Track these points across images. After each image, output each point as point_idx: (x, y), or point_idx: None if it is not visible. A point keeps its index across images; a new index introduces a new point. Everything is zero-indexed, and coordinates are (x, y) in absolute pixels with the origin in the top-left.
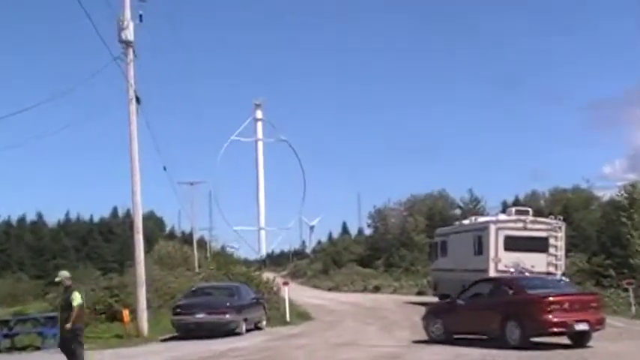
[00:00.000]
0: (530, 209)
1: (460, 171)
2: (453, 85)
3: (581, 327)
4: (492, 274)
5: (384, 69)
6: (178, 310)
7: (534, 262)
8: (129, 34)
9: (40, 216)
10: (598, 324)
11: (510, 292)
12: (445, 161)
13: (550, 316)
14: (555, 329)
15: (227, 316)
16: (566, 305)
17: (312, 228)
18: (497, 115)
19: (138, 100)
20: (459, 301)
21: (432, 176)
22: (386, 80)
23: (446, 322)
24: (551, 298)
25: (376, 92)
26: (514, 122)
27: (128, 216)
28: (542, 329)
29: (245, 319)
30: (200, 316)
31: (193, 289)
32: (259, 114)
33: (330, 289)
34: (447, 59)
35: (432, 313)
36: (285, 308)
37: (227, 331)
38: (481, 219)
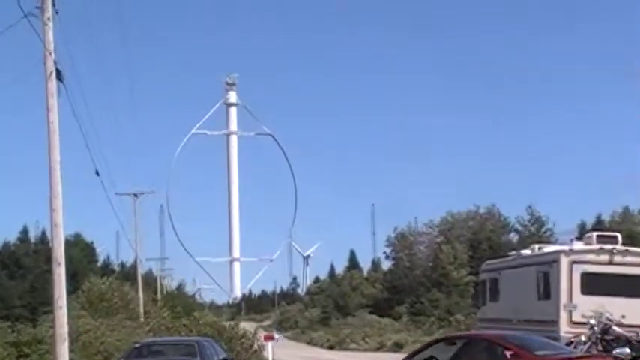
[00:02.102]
0: (618, 235)
1: (516, 181)
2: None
3: None
4: (565, 327)
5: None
6: None
7: (626, 311)
8: None
9: None
10: None
11: (509, 354)
12: (495, 167)
13: None
14: None
15: None
16: None
17: (306, 259)
18: (569, 111)
19: (59, 75)
20: None
21: (476, 187)
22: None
23: None
24: None
25: (392, 78)
26: (593, 117)
27: (44, 241)
28: None
29: None
30: None
31: (137, 345)
32: (232, 97)
33: (331, 347)
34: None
35: None
36: None
37: None
38: (548, 248)
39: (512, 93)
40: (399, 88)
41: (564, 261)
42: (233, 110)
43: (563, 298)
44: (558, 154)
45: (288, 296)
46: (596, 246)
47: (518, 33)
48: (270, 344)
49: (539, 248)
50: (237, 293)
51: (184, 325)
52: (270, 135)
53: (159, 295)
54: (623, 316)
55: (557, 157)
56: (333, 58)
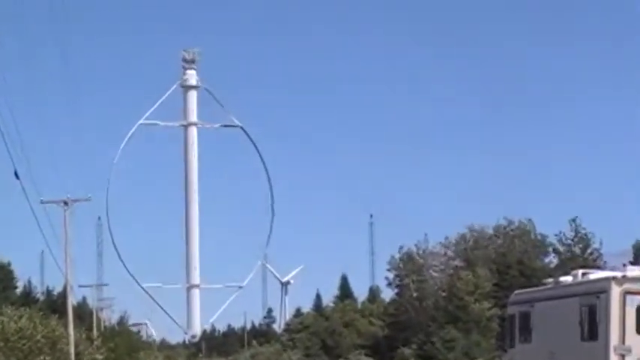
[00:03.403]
0: None
1: (556, 190)
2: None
3: None
4: None
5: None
6: None
7: None
8: None
9: None
10: None
11: None
12: (529, 173)
13: None
14: None
15: None
16: None
17: (285, 286)
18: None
19: None
20: None
21: (504, 196)
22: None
23: None
24: None
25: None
26: None
27: None
28: None
29: None
30: None
31: None
32: (192, 78)
33: None
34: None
35: None
36: None
37: None
38: (594, 275)
39: (552, 89)
40: (403, 74)
41: (616, 291)
42: (192, 95)
43: (614, 339)
44: (608, 161)
45: (261, 334)
46: None
47: (560, 38)
48: None
49: (584, 275)
50: (197, 330)
51: None
52: (240, 127)
53: (95, 332)
54: None
55: (606, 165)
56: (321, 28)
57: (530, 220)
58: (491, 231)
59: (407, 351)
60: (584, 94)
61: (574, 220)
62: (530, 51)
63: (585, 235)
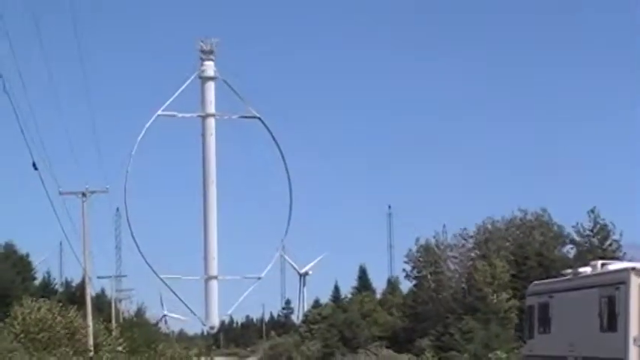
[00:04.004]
0: None
1: (574, 180)
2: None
3: None
4: None
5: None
6: None
7: None
8: None
9: None
10: None
11: None
12: (546, 164)
13: None
14: None
15: None
16: None
17: (303, 277)
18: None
19: None
20: None
21: (522, 188)
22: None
23: None
24: None
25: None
26: None
27: None
28: None
29: None
30: None
31: None
32: (210, 69)
33: None
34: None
35: None
36: None
37: None
38: (614, 266)
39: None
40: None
41: (635, 282)
42: (210, 86)
43: (634, 330)
44: (624, 150)
45: (279, 325)
46: None
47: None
48: None
49: (603, 265)
50: (215, 321)
51: None
52: (258, 118)
53: (113, 323)
54: None
55: (623, 154)
56: (340, 18)
57: (545, 210)
58: (508, 223)
59: (425, 342)
60: (598, 80)
61: (592, 211)
62: (543, 41)
63: (605, 225)
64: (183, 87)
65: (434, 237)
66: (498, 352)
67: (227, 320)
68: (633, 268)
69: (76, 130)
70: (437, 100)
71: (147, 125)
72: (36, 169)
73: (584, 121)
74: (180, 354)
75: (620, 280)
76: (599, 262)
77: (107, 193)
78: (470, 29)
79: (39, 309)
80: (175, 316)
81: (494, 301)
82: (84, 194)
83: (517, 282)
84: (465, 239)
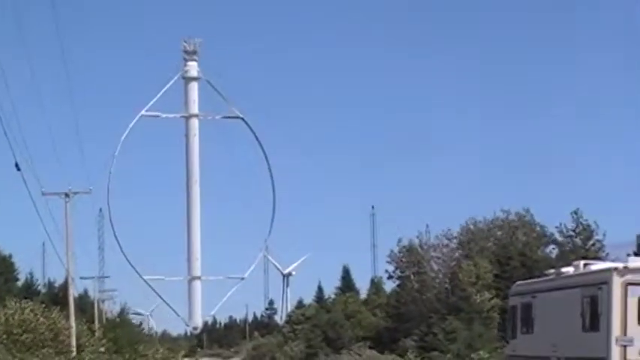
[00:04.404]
0: None
1: (556, 181)
2: None
3: None
4: None
5: None
6: None
7: None
8: None
9: None
10: None
11: None
12: (528, 165)
13: None
14: None
15: None
16: None
17: (287, 278)
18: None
19: None
20: None
21: (505, 188)
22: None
23: None
24: None
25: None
26: None
27: None
28: None
29: None
30: None
31: None
32: (193, 69)
33: None
34: None
35: None
36: None
37: None
38: (596, 266)
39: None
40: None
41: (617, 282)
42: (193, 86)
43: (616, 330)
44: (610, 150)
45: (263, 326)
46: None
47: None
48: None
49: (586, 266)
50: (198, 322)
51: None
52: (241, 118)
53: (96, 324)
54: None
55: (608, 154)
56: (323, 18)
57: (528, 210)
58: (490, 223)
59: (408, 342)
60: (584, 79)
61: (575, 212)
62: (529, 44)
63: (588, 226)
64: (166, 87)
65: (417, 237)
66: (481, 352)
67: (210, 321)
68: (615, 268)
69: (59, 131)
70: (420, 99)
71: (130, 125)
72: (18, 169)
73: (569, 120)
74: (163, 354)
75: (602, 280)
76: (582, 262)
77: (90, 194)
78: (459, 27)
79: (23, 310)
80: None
81: (478, 300)
82: (67, 195)
83: (500, 282)
84: (449, 239)
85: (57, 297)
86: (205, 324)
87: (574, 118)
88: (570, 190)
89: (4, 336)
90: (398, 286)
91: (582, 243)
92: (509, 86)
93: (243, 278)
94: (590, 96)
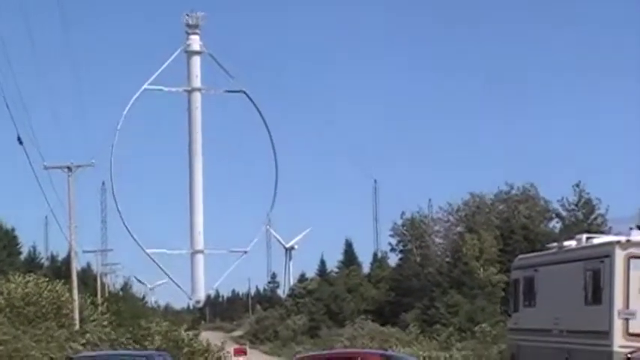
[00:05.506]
0: None
1: (560, 154)
2: None
3: None
4: (620, 340)
5: None
6: None
7: None
8: None
9: None
10: None
11: None
12: (531, 137)
13: None
14: None
15: None
16: None
17: (289, 252)
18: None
19: None
20: None
21: (508, 162)
22: None
23: None
24: None
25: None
26: None
27: None
28: None
29: None
30: None
31: None
32: (195, 43)
33: None
34: None
35: None
36: None
37: None
38: (599, 240)
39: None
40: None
41: (620, 255)
42: (196, 60)
43: (618, 304)
44: (613, 123)
45: (265, 299)
46: None
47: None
48: None
49: (588, 239)
50: (201, 295)
51: (130, 334)
52: (243, 92)
53: (99, 298)
54: None
55: (611, 126)
56: None
57: (532, 184)
58: (493, 197)
59: (410, 316)
60: (586, 58)
61: (577, 185)
62: (534, 19)
63: (590, 200)
64: (169, 61)
65: (418, 212)
66: (484, 325)
67: (213, 294)
68: (618, 242)
69: (61, 104)
70: (425, 73)
71: (133, 99)
72: (21, 143)
73: (572, 95)
74: (166, 327)
75: (604, 254)
76: (584, 235)
77: (93, 167)
78: None
79: (26, 283)
80: (158, 287)
81: (481, 275)
82: (69, 168)
83: (503, 256)
84: (451, 214)
85: (60, 270)
86: (208, 297)
87: (576, 94)
88: (572, 164)
89: (7, 309)
90: (400, 259)
91: (585, 217)
92: (511, 60)
93: (245, 252)
94: (595, 66)
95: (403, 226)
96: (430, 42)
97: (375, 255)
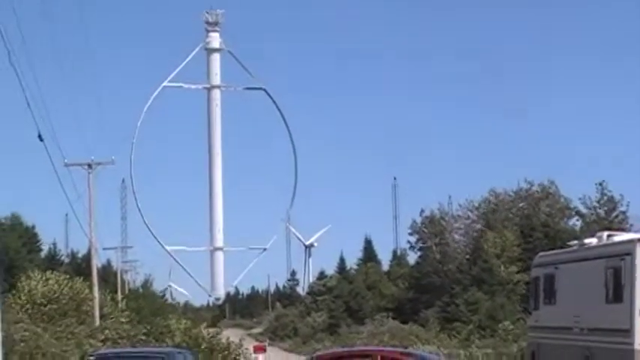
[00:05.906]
0: None
1: (580, 151)
2: None
3: None
4: None
5: None
6: None
7: None
8: None
9: None
10: None
11: None
12: (552, 135)
13: None
14: None
15: None
16: None
17: (309, 249)
18: None
19: None
20: None
21: (528, 159)
22: None
23: None
24: None
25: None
26: None
27: None
28: None
29: None
30: None
31: (92, 358)
32: (215, 40)
33: None
34: None
35: None
36: None
37: None
38: (619, 237)
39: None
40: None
41: None
42: (215, 57)
43: (639, 302)
44: (631, 121)
45: (285, 296)
46: None
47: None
48: (261, 358)
49: (609, 237)
50: (221, 292)
51: (149, 331)
52: (263, 89)
53: (119, 295)
54: None
55: (630, 124)
56: None
57: (553, 182)
58: (513, 195)
59: (430, 313)
60: (610, 50)
61: (600, 184)
62: (562, 18)
63: (611, 197)
64: (188, 58)
65: (438, 209)
66: (506, 323)
67: (232, 291)
68: (639, 240)
69: (81, 102)
70: (445, 69)
71: (153, 96)
72: (41, 140)
73: (592, 90)
74: (186, 325)
75: (625, 252)
76: (605, 233)
77: (113, 165)
78: None
79: (46, 281)
80: (179, 289)
81: (502, 273)
82: (90, 165)
83: (523, 253)
84: (471, 210)
85: (80, 267)
86: (227, 295)
87: (597, 89)
88: (592, 162)
89: (28, 306)
90: (420, 257)
91: (606, 214)
92: (532, 56)
93: (265, 249)
94: (618, 63)
95: (423, 223)
96: (450, 37)
97: (394, 252)
